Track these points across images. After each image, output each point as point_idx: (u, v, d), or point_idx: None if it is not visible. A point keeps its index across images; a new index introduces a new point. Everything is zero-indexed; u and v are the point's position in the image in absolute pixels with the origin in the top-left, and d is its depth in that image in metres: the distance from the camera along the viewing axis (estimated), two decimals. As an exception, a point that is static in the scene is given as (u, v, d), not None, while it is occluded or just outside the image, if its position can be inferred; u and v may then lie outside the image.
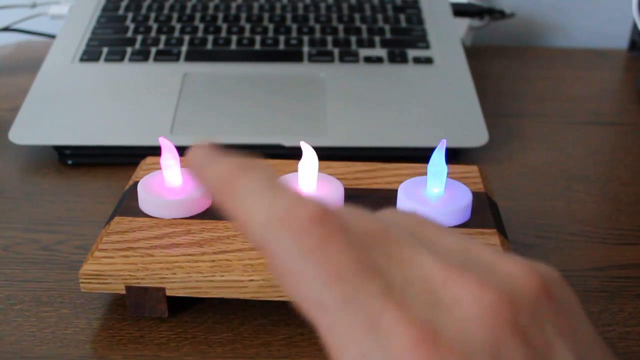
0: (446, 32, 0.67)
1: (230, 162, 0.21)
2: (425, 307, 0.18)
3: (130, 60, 0.62)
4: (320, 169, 0.41)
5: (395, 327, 0.17)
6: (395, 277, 0.19)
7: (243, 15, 0.69)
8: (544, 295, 0.19)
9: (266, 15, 0.69)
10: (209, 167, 0.21)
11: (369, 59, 0.62)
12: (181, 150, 0.42)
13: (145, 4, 0.70)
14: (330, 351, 0.18)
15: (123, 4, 0.70)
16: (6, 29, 0.75)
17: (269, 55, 0.63)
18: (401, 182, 0.42)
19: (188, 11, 0.69)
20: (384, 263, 0.19)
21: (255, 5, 0.71)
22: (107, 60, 0.62)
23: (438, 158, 0.39)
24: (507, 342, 0.18)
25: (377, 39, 0.65)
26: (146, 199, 0.40)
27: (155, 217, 0.40)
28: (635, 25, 0.78)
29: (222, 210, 0.21)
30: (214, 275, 0.36)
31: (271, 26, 0.67)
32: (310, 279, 0.18)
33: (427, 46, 0.64)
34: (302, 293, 0.18)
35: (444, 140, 0.39)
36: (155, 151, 0.43)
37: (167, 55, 0.62)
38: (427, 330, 0.17)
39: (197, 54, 0.63)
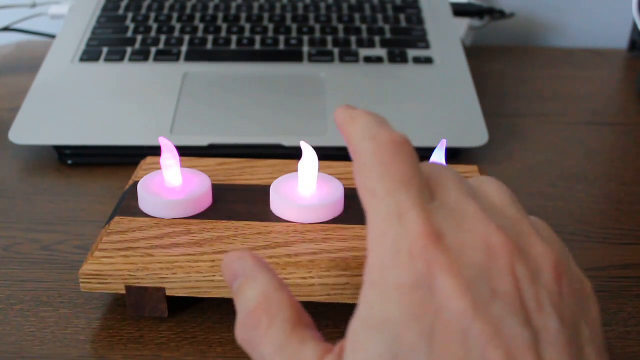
0: (446, 32, 0.67)
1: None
2: (445, 220, 0.24)
3: (130, 60, 0.62)
4: (320, 169, 0.41)
5: (414, 221, 0.23)
6: (436, 198, 0.25)
7: (243, 15, 0.69)
8: (553, 273, 0.24)
9: (266, 15, 0.69)
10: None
11: (369, 59, 0.62)
12: (181, 150, 0.42)
13: (145, 4, 0.70)
14: (368, 225, 0.24)
15: (123, 4, 0.70)
16: (6, 29, 0.75)
17: (269, 55, 0.63)
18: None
19: (188, 11, 0.69)
20: (433, 186, 0.26)
21: (255, 5, 0.71)
22: (107, 60, 0.62)
23: (438, 158, 0.39)
24: (499, 274, 0.23)
25: (377, 39, 0.65)
26: (146, 199, 0.40)
27: (155, 217, 0.40)
28: (635, 25, 0.78)
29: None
30: (214, 275, 0.36)
31: (271, 26, 0.67)
32: (374, 174, 0.25)
33: (427, 46, 0.64)
34: (365, 180, 0.25)
35: (444, 140, 0.39)
36: (155, 151, 0.43)
37: (167, 55, 0.62)
38: (437, 231, 0.23)
39: (197, 54, 0.63)
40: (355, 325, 0.24)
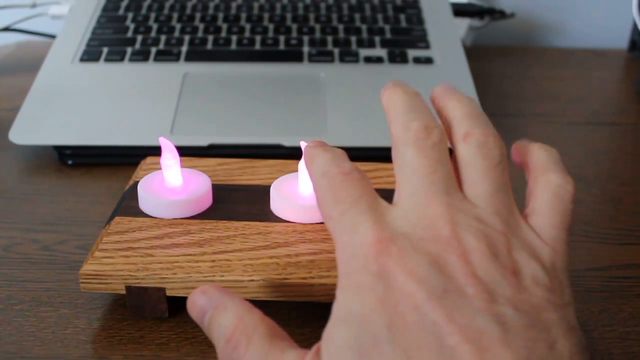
0: (446, 32, 0.67)
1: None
2: (399, 224, 0.27)
3: (130, 60, 0.62)
4: (320, 169, 0.41)
5: (366, 232, 0.27)
6: (399, 199, 0.29)
7: (243, 15, 0.69)
8: (509, 266, 0.26)
9: (266, 15, 0.69)
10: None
11: (369, 59, 0.62)
12: (181, 150, 0.42)
13: (145, 4, 0.70)
14: (335, 244, 0.28)
15: (123, 4, 0.70)
16: (6, 29, 0.75)
17: (269, 55, 0.63)
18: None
19: (188, 11, 0.69)
20: (400, 188, 0.29)
21: (255, 5, 0.71)
22: (107, 60, 0.62)
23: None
24: (451, 269, 0.25)
25: (377, 39, 0.65)
26: (146, 199, 0.40)
27: (155, 217, 0.40)
28: (635, 25, 0.78)
29: None
30: (214, 275, 0.36)
31: (271, 26, 0.67)
32: (329, 201, 0.29)
33: (427, 46, 0.64)
34: (324, 210, 0.29)
35: None
36: (155, 151, 0.43)
37: (167, 55, 0.62)
38: (388, 236, 0.26)
39: (197, 54, 0.63)
40: (328, 325, 0.27)
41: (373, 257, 0.26)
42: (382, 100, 0.33)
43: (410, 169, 0.29)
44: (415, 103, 0.31)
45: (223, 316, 0.29)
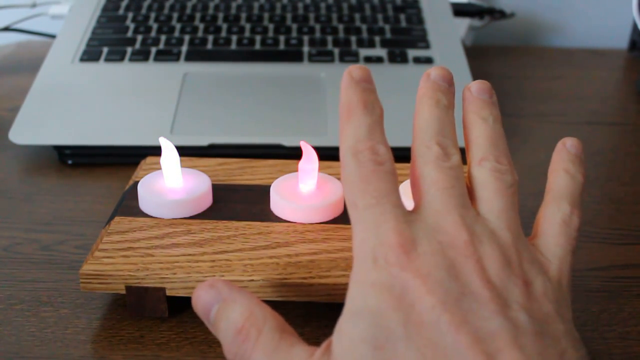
0: (446, 32, 0.67)
1: None
2: (420, 229, 0.27)
3: (130, 60, 0.62)
4: (320, 169, 0.41)
5: (389, 233, 0.27)
6: (419, 206, 0.29)
7: (243, 15, 0.69)
8: (521, 278, 0.27)
9: (266, 15, 0.69)
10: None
11: (369, 59, 0.62)
12: (181, 150, 0.42)
13: (145, 4, 0.70)
14: (352, 232, 0.28)
15: (123, 4, 0.70)
16: (6, 29, 0.75)
17: (269, 55, 0.63)
18: (401, 182, 0.42)
19: (188, 11, 0.69)
20: (420, 192, 0.30)
21: (255, 5, 0.71)
22: (107, 60, 0.62)
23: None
24: (467, 276, 0.26)
25: (377, 39, 0.65)
26: (146, 199, 0.40)
27: (156, 217, 0.40)
28: (635, 25, 0.78)
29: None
30: (213, 275, 0.36)
31: (271, 26, 0.67)
32: (356, 189, 0.28)
33: (427, 46, 0.64)
34: (348, 193, 0.29)
35: None
36: (155, 151, 0.43)
37: (167, 55, 0.62)
38: (409, 240, 0.27)
39: (197, 54, 0.63)
40: (341, 319, 0.27)
41: (393, 258, 0.26)
42: (418, 92, 0.33)
43: (429, 181, 0.30)
44: (444, 123, 0.32)
45: (232, 309, 0.28)
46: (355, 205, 0.28)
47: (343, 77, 0.30)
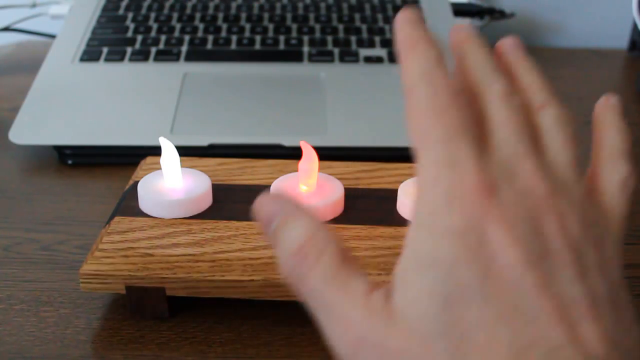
0: (446, 32, 0.66)
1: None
2: (499, 174, 0.24)
3: (130, 60, 0.62)
4: (320, 169, 0.41)
5: (469, 172, 0.24)
6: (492, 148, 0.25)
7: (243, 15, 0.69)
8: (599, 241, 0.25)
9: (266, 15, 0.69)
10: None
11: (369, 59, 0.62)
12: (181, 150, 0.42)
13: (145, 4, 0.70)
14: (418, 167, 0.25)
15: (123, 4, 0.70)
16: (6, 29, 0.75)
17: (269, 55, 0.63)
18: (401, 182, 0.42)
19: (188, 11, 0.69)
20: (491, 133, 0.26)
21: (255, 5, 0.71)
22: (107, 60, 0.62)
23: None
24: (550, 236, 0.24)
25: (377, 38, 0.65)
26: (146, 199, 0.40)
27: (156, 217, 0.40)
28: (635, 25, 0.78)
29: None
30: (214, 275, 0.36)
31: (271, 26, 0.67)
32: (429, 119, 0.25)
33: (427, 46, 0.64)
34: (417, 124, 0.26)
35: None
36: (155, 151, 0.43)
37: (167, 55, 0.62)
38: (491, 184, 0.24)
39: (197, 54, 0.63)
40: (404, 266, 0.24)
41: (471, 202, 0.23)
42: (454, 46, 0.31)
43: (498, 121, 0.27)
44: (495, 65, 0.30)
45: (294, 226, 0.26)
46: (427, 137, 0.25)
47: (397, 18, 0.28)
